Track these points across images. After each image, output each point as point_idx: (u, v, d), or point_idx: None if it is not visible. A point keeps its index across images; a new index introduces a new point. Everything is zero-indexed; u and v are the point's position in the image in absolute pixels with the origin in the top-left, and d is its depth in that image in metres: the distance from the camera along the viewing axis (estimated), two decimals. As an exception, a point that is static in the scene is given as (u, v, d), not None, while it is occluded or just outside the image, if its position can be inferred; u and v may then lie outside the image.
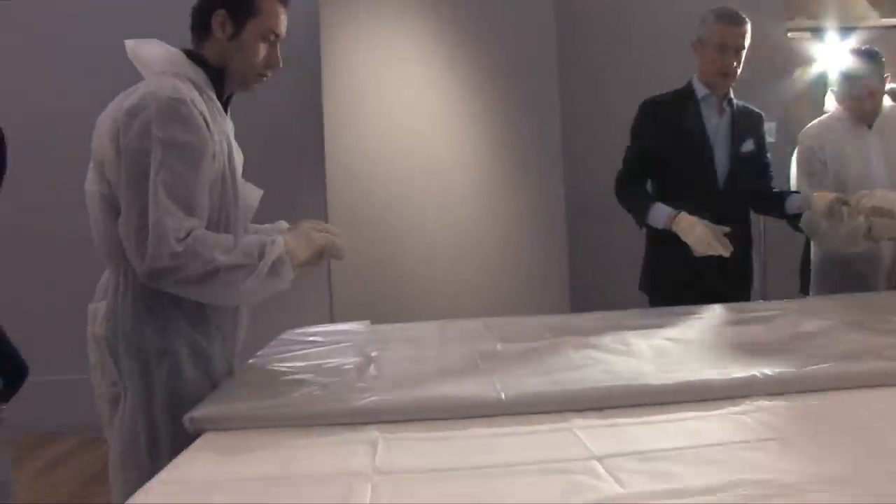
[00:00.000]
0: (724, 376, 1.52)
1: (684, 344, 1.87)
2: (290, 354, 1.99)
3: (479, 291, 3.63)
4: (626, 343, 1.87)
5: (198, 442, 1.38)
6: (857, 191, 2.48)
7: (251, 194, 1.85)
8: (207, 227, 1.64)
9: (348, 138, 3.62)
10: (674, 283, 2.63)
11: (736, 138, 2.66)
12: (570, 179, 3.74)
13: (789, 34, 4.42)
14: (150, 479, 1.22)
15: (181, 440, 1.44)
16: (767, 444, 1.21)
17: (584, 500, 1.03)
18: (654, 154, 2.66)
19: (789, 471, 1.10)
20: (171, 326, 1.66)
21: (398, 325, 2.40)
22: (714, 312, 2.27)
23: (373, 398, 1.48)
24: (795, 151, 2.85)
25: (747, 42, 2.60)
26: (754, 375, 1.50)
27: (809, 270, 2.91)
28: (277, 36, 1.79)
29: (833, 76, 2.76)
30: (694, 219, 2.41)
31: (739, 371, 1.54)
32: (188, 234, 1.55)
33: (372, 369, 1.77)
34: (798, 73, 4.18)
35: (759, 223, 3.77)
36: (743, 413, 1.38)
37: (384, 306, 3.51)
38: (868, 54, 2.69)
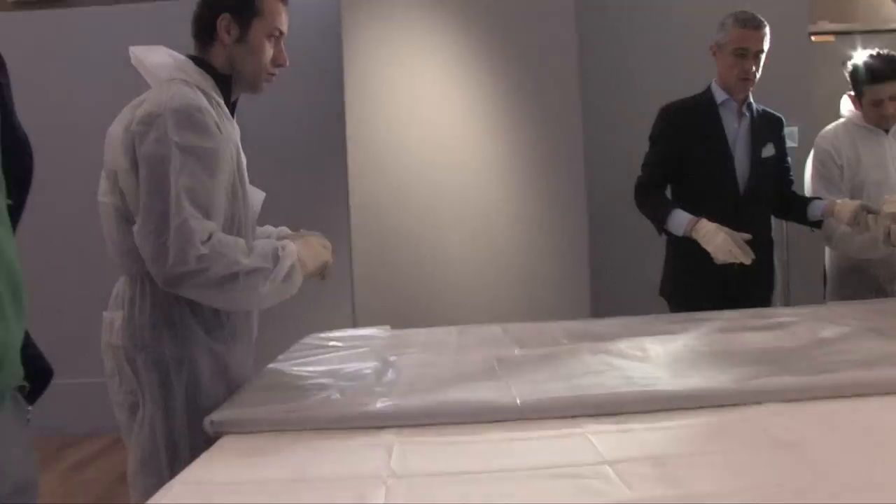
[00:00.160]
0: (738, 382, 1.52)
1: (701, 350, 1.87)
2: (309, 358, 2.02)
3: (500, 297, 3.64)
4: (642, 349, 1.87)
5: (217, 444, 1.41)
6: (884, 198, 2.47)
7: (255, 198, 1.87)
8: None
9: (370, 143, 3.64)
10: (694, 289, 2.62)
11: (756, 143, 2.64)
12: (591, 184, 3.74)
13: (812, 38, 4.40)
14: (168, 481, 1.25)
15: (200, 446, 1.46)
16: (780, 451, 1.22)
17: (592, 503, 1.05)
18: (673, 160, 2.65)
19: (802, 477, 1.10)
20: (188, 335, 1.68)
21: (418, 330, 2.41)
22: (733, 318, 2.26)
23: (389, 402, 1.51)
24: (811, 156, 2.84)
25: (766, 46, 2.59)
26: (768, 382, 1.51)
27: None
28: (282, 33, 1.81)
29: (852, 80, 2.74)
30: (714, 226, 2.40)
31: (755, 377, 1.54)
32: (210, 237, 1.56)
33: (390, 374, 1.79)
34: (820, 77, 4.15)
35: (783, 228, 3.75)
36: (757, 419, 1.38)
37: (406, 311, 3.53)
38: (888, 59, 2.67)
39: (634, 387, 1.53)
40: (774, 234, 2.78)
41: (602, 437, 1.31)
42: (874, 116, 2.67)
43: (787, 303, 3.64)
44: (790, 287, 3.85)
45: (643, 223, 2.68)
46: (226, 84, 1.79)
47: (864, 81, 2.66)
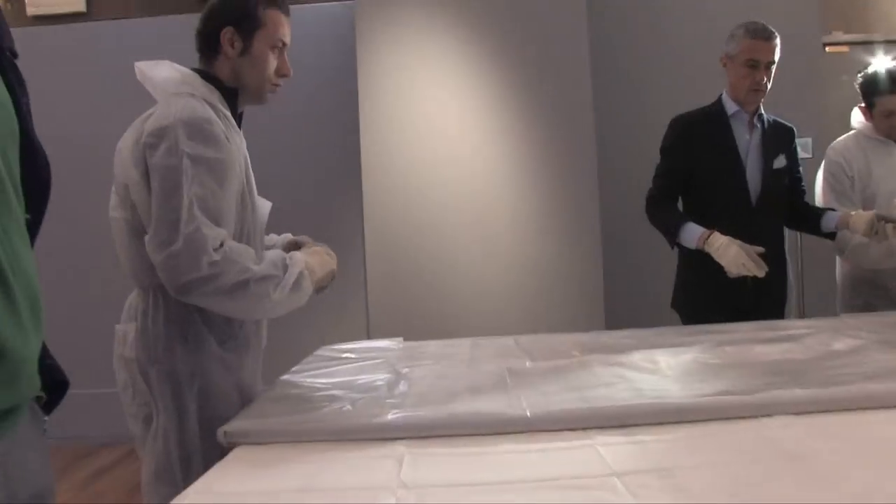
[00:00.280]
0: (748, 394, 1.52)
1: (712, 362, 1.87)
2: (322, 370, 2.03)
3: (513, 309, 3.65)
4: (653, 361, 1.88)
5: (231, 455, 1.43)
6: None
7: (262, 208, 1.89)
8: None
9: (384, 155, 3.67)
10: (706, 301, 2.61)
11: (768, 154, 2.63)
12: (605, 194, 3.74)
13: (826, 48, 4.39)
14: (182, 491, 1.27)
15: (213, 456, 1.48)
16: (790, 463, 1.22)
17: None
18: (684, 172, 2.64)
19: (810, 490, 1.11)
20: (201, 346, 1.70)
21: (430, 342, 2.42)
22: (744, 330, 2.26)
23: (400, 414, 1.52)
24: (821, 168, 2.84)
25: (777, 56, 2.58)
26: (778, 394, 1.51)
27: None
28: (285, 44, 1.84)
29: (863, 92, 2.74)
30: (726, 239, 2.39)
31: (765, 389, 1.55)
32: (222, 244, 1.58)
33: (402, 386, 1.80)
34: (834, 87, 4.14)
35: (797, 239, 3.74)
36: (766, 431, 1.38)
37: (420, 323, 3.55)
38: None
39: (644, 399, 1.54)
40: (788, 246, 2.76)
41: (611, 449, 1.32)
42: (885, 128, 2.67)
43: (802, 315, 3.63)
44: (804, 299, 3.83)
45: (656, 234, 2.68)
46: (232, 96, 1.81)
47: (875, 93, 2.66)
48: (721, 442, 1.36)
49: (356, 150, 3.71)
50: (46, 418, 1.01)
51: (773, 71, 2.59)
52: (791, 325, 2.33)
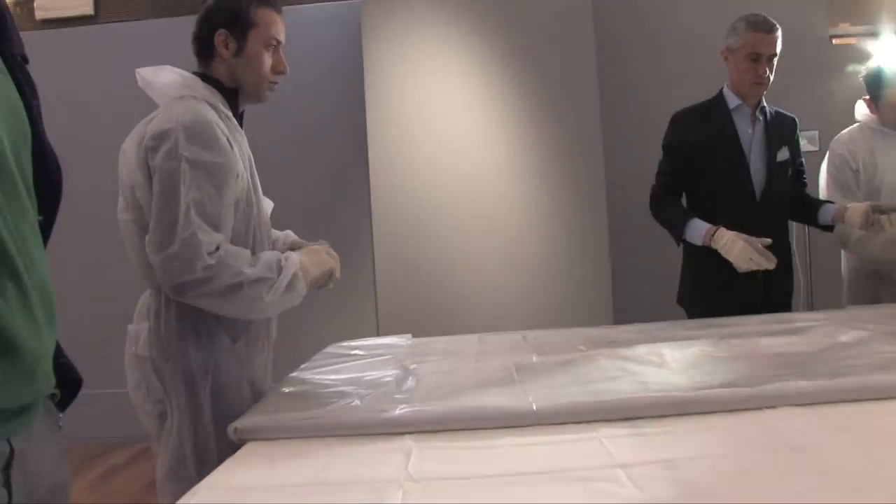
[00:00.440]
0: (752, 387, 1.53)
1: (717, 355, 1.88)
2: (331, 367, 2.05)
3: (523, 304, 3.66)
4: (659, 354, 1.89)
5: (242, 450, 1.45)
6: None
7: (265, 206, 1.93)
8: (237, 242, 1.72)
9: (391, 153, 3.68)
10: (712, 296, 2.60)
11: (771, 147, 2.61)
12: (612, 190, 3.75)
13: (833, 41, 4.39)
14: (196, 486, 1.30)
15: (227, 452, 1.51)
16: (793, 454, 1.23)
17: (601, 504, 1.07)
18: (687, 168, 2.63)
19: (814, 480, 1.12)
20: (213, 342, 1.73)
21: (438, 339, 2.44)
22: (750, 323, 2.27)
23: (408, 409, 1.54)
24: (825, 160, 2.83)
25: (779, 48, 2.56)
26: (783, 386, 1.51)
27: None
28: (279, 42, 1.87)
29: (868, 84, 2.73)
30: (732, 234, 2.39)
31: (769, 381, 1.55)
32: (218, 248, 1.62)
33: (410, 381, 1.82)
34: (841, 80, 4.14)
35: (804, 231, 3.74)
36: (771, 423, 1.39)
37: (429, 319, 3.57)
38: None
39: (649, 392, 1.55)
40: (795, 238, 2.76)
41: (616, 441, 1.34)
42: (891, 119, 2.66)
43: (810, 308, 3.64)
44: (813, 291, 3.84)
45: (663, 230, 2.68)
46: (232, 97, 1.85)
47: (882, 85, 2.66)
48: (725, 434, 1.37)
49: (364, 149, 3.73)
50: (62, 415, 1.04)
51: (775, 63, 2.57)
52: (797, 318, 2.33)
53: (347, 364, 2.09)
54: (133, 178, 1.71)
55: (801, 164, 2.76)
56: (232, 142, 1.75)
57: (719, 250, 2.42)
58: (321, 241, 1.97)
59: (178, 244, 1.59)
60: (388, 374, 1.90)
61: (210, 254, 1.60)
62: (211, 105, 1.76)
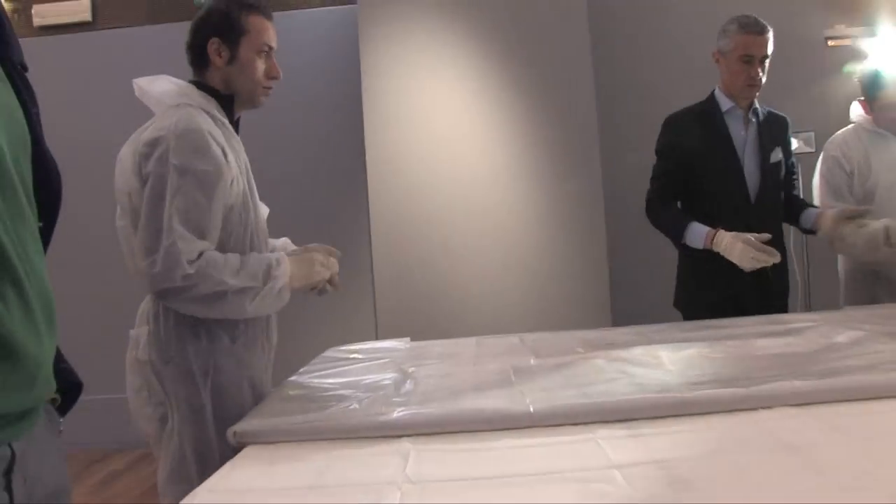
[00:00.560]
0: (748, 387, 1.54)
1: (714, 356, 1.89)
2: (330, 371, 2.07)
3: (521, 307, 3.67)
4: (656, 356, 1.90)
5: (241, 454, 1.46)
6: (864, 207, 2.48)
7: (261, 212, 1.96)
8: (235, 246, 1.75)
9: (389, 157, 3.69)
10: (708, 299, 2.59)
11: (764, 149, 2.61)
12: (609, 192, 3.76)
13: (829, 42, 4.40)
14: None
15: (229, 452, 1.53)
16: (788, 454, 1.24)
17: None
18: (682, 172, 2.61)
19: (808, 479, 1.13)
20: (213, 343, 1.76)
21: (437, 342, 2.45)
22: (747, 325, 2.28)
23: (405, 412, 1.55)
24: (819, 162, 2.83)
25: (771, 50, 2.54)
26: (777, 386, 1.52)
27: None
28: (271, 48, 1.90)
29: (864, 85, 2.73)
30: (730, 236, 2.39)
31: (765, 382, 1.56)
32: (199, 256, 1.65)
33: (408, 384, 1.84)
34: (837, 81, 4.16)
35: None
36: (765, 423, 1.40)
37: (428, 322, 3.57)
38: None
39: (645, 393, 1.56)
40: (793, 239, 2.76)
41: (612, 443, 1.35)
42: (887, 121, 2.67)
43: (808, 308, 3.64)
44: (811, 292, 3.84)
45: (661, 232, 2.68)
46: (228, 103, 1.88)
47: (878, 86, 2.66)
48: (720, 434, 1.38)
49: (361, 152, 3.74)
50: (62, 420, 1.05)
51: (767, 64, 2.56)
52: (794, 319, 2.34)
53: (346, 368, 2.10)
54: (129, 185, 1.74)
55: (793, 165, 2.75)
56: (227, 148, 1.77)
57: (721, 253, 2.42)
58: (319, 247, 1.98)
59: (162, 252, 1.63)
60: (387, 377, 1.91)
61: (191, 262, 1.63)
62: (206, 112, 1.79)
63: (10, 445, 0.91)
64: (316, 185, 4.49)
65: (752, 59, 2.52)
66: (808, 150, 3.81)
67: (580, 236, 3.70)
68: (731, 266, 2.46)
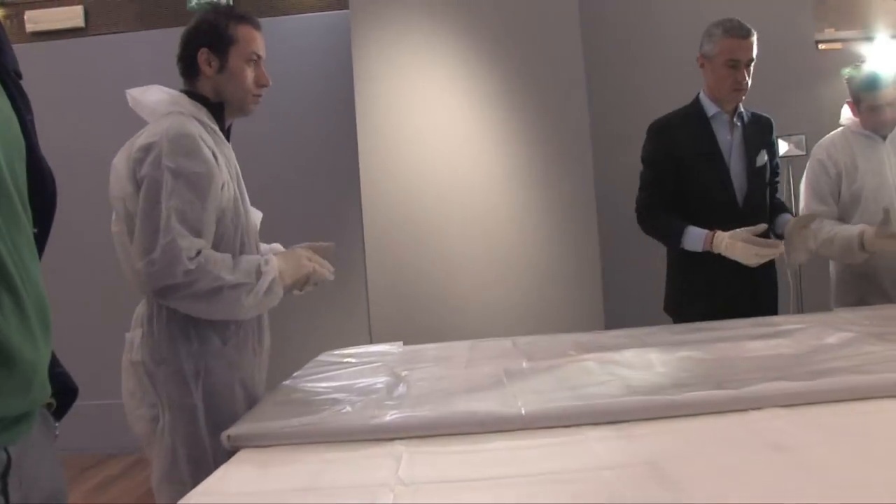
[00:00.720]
0: (737, 389, 1.56)
1: (704, 358, 1.91)
2: (324, 375, 2.08)
3: (514, 310, 3.68)
4: (647, 359, 1.91)
5: (235, 457, 1.47)
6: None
7: (254, 217, 2.00)
8: (226, 248, 1.79)
9: (382, 161, 3.70)
10: (698, 303, 2.59)
11: (750, 153, 2.60)
12: (602, 195, 3.77)
13: (819, 46, 4.43)
14: (191, 488, 1.32)
15: (221, 452, 1.55)
16: (776, 454, 1.25)
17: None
18: (671, 179, 2.60)
19: (797, 479, 1.14)
20: (204, 345, 1.79)
21: (430, 346, 2.46)
22: (737, 327, 2.29)
23: (398, 415, 1.56)
24: (807, 167, 2.85)
25: (755, 53, 2.53)
26: (766, 387, 1.53)
27: None
28: (259, 57, 1.94)
29: (850, 87, 2.75)
30: (727, 236, 2.39)
31: (754, 384, 1.58)
32: (198, 254, 1.69)
33: (401, 388, 1.85)
34: (827, 84, 4.18)
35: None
36: (754, 424, 1.42)
37: (421, 326, 3.58)
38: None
39: (636, 395, 1.57)
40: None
41: (602, 444, 1.36)
42: (872, 123, 2.69)
43: (800, 310, 3.66)
44: (802, 294, 3.86)
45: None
46: (219, 111, 1.92)
47: (861, 88, 2.68)
48: (710, 435, 1.39)
49: (354, 156, 3.75)
50: (58, 424, 1.06)
51: (752, 68, 2.55)
52: (784, 321, 2.35)
53: (339, 372, 2.11)
54: (123, 191, 1.77)
55: (777, 166, 2.75)
56: (218, 154, 1.82)
57: (722, 253, 2.41)
58: (303, 245, 2.02)
59: (160, 250, 1.66)
60: (380, 381, 1.93)
61: (190, 259, 1.67)
62: (198, 120, 1.84)
63: (6, 449, 0.92)
64: (309, 189, 4.50)
65: (738, 64, 2.51)
66: (798, 152, 3.82)
67: (573, 239, 3.71)
68: (722, 271, 2.48)
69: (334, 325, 4.38)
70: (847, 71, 2.76)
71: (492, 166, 3.72)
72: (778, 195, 2.81)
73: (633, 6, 4.37)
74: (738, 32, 2.51)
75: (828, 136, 2.83)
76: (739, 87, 2.54)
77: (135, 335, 1.84)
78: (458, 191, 3.70)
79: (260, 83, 1.95)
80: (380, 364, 2.17)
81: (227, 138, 1.97)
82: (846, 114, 2.79)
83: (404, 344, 2.51)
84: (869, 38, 4.28)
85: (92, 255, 4.08)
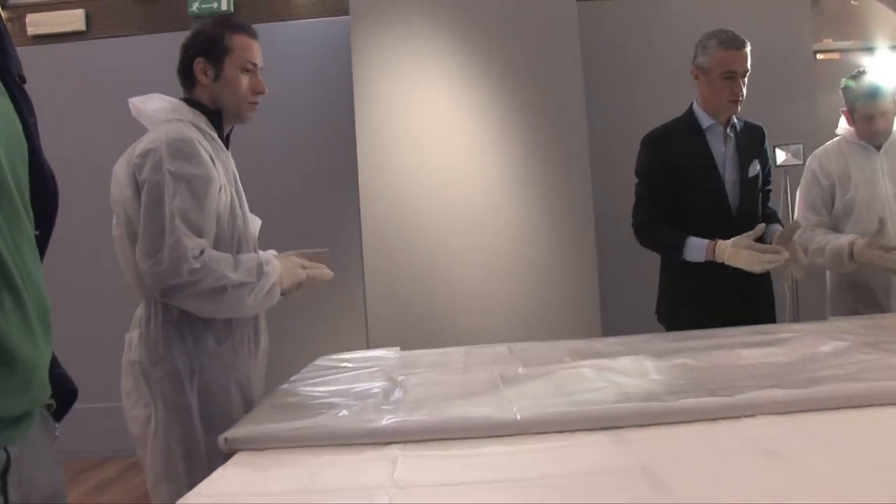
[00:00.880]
0: (731, 396, 1.57)
1: (698, 365, 1.92)
2: (321, 379, 2.09)
3: (511, 316, 3.69)
4: (642, 366, 1.92)
5: (232, 460, 1.48)
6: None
7: (254, 224, 2.04)
8: (222, 251, 1.84)
9: (380, 167, 3.73)
10: (691, 312, 2.59)
11: (743, 163, 2.60)
12: (600, 199, 3.79)
13: (818, 56, 4.46)
14: (187, 488, 1.34)
15: (216, 451, 1.56)
16: (769, 460, 1.26)
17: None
18: (668, 191, 2.59)
19: (788, 485, 1.15)
20: (200, 344, 1.84)
21: (426, 351, 2.47)
22: (732, 335, 2.30)
23: (394, 419, 1.57)
24: (802, 177, 2.86)
25: (749, 63, 2.52)
26: (759, 395, 1.54)
27: None
28: (255, 65, 1.98)
29: (845, 97, 2.77)
30: (729, 245, 2.39)
31: (748, 391, 1.59)
32: (202, 253, 1.73)
33: (397, 393, 1.85)
34: (825, 94, 4.20)
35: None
36: (747, 431, 1.42)
37: (419, 331, 3.60)
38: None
39: (631, 402, 1.59)
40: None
41: (596, 449, 1.37)
42: (866, 132, 2.70)
43: (797, 319, 3.67)
44: (799, 303, 3.88)
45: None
46: (217, 119, 1.97)
47: (855, 97, 2.70)
48: (703, 441, 1.40)
49: (353, 160, 3.77)
50: (57, 425, 1.06)
51: (747, 79, 2.54)
52: (779, 330, 2.37)
53: (336, 376, 2.12)
54: (124, 195, 1.82)
55: (769, 174, 2.75)
56: (215, 159, 1.87)
57: (725, 262, 2.41)
58: (298, 255, 2.05)
59: (166, 250, 1.70)
60: (376, 385, 1.93)
61: (195, 258, 1.71)
62: (196, 127, 1.88)
63: (5, 449, 0.92)
64: (308, 194, 4.52)
65: (735, 75, 2.51)
66: (796, 162, 3.84)
67: (570, 247, 3.73)
68: (715, 279, 2.49)
69: (331, 329, 4.39)
70: (845, 81, 2.77)
71: (490, 173, 3.74)
72: (772, 204, 2.81)
73: (631, 13, 4.39)
74: (734, 44, 2.50)
75: (823, 146, 2.85)
76: (736, 99, 2.53)
77: (133, 336, 1.88)
78: (456, 197, 3.72)
79: (256, 90, 1.99)
80: (376, 369, 2.18)
81: (227, 145, 2.01)
82: (842, 124, 2.81)
83: (401, 349, 2.52)
84: (867, 49, 4.31)
85: (92, 258, 4.09)
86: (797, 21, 4.30)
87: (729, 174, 2.60)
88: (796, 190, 2.94)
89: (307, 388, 1.98)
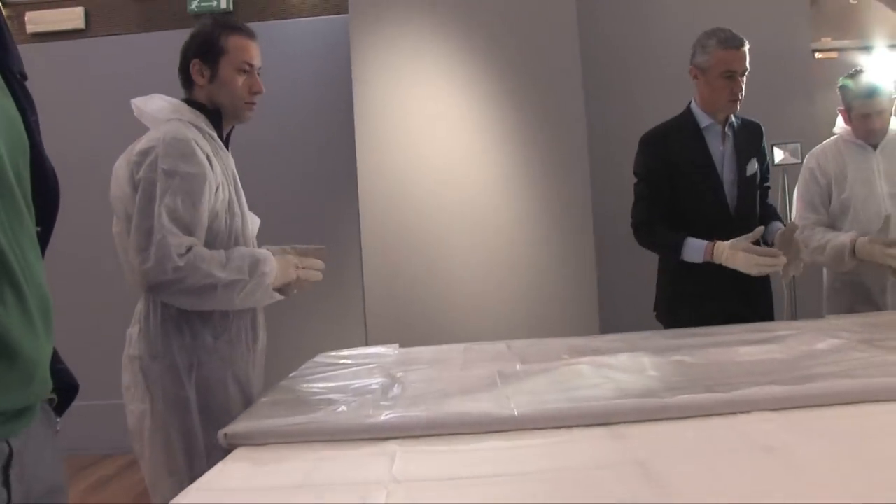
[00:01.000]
0: (728, 392, 1.57)
1: (696, 362, 1.92)
2: (320, 375, 2.10)
3: (510, 313, 3.70)
4: (639, 362, 1.93)
5: (231, 455, 1.49)
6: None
7: (252, 222, 2.07)
8: (220, 248, 1.86)
9: (380, 164, 3.73)
10: (689, 310, 2.59)
11: (741, 162, 2.60)
12: (599, 201, 3.79)
13: (816, 55, 4.46)
14: (188, 481, 1.35)
15: (215, 445, 1.58)
16: (765, 456, 1.27)
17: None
18: (666, 191, 2.59)
19: (783, 480, 1.16)
20: (197, 339, 1.86)
21: (425, 348, 2.48)
22: (730, 333, 2.31)
23: (392, 415, 1.58)
24: (800, 175, 2.87)
25: (748, 62, 2.52)
26: (756, 391, 1.55)
27: None
28: (252, 66, 2.00)
29: (842, 95, 2.78)
30: (727, 246, 2.39)
31: (745, 387, 1.60)
32: (189, 250, 1.76)
33: (396, 389, 1.87)
34: (824, 93, 4.21)
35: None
36: (743, 427, 1.43)
37: (418, 328, 3.61)
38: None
39: (628, 398, 1.59)
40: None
41: (593, 444, 1.38)
42: (862, 131, 2.71)
43: (795, 317, 3.68)
44: (797, 302, 3.89)
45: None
46: (216, 118, 1.99)
47: (852, 96, 2.71)
48: (699, 437, 1.41)
49: (352, 159, 3.77)
50: (59, 419, 1.07)
51: (745, 77, 2.54)
52: (776, 328, 2.37)
53: (335, 373, 2.13)
54: (123, 193, 1.85)
55: (767, 171, 2.75)
56: (213, 158, 1.89)
57: (723, 264, 2.41)
58: (294, 253, 2.06)
59: (153, 247, 1.74)
60: (375, 382, 1.95)
61: (180, 255, 1.74)
62: (196, 127, 1.91)
63: (7, 442, 0.93)
64: (307, 192, 4.53)
65: (734, 74, 2.50)
66: (794, 160, 3.85)
67: (569, 246, 3.73)
68: (713, 278, 2.49)
69: (331, 327, 4.40)
70: (842, 80, 2.78)
71: (489, 172, 3.74)
72: (770, 201, 2.82)
73: (630, 12, 4.39)
74: (733, 43, 2.50)
75: (820, 144, 2.86)
76: (735, 98, 2.53)
77: (133, 331, 1.91)
78: (455, 196, 3.72)
79: (253, 91, 2.01)
80: (375, 366, 2.19)
81: (227, 144, 2.04)
82: (839, 122, 2.82)
83: (400, 346, 2.53)
84: (865, 48, 4.32)
85: (93, 254, 4.09)
86: (796, 20, 4.30)
87: (727, 173, 2.60)
88: (794, 188, 2.95)
89: (306, 385, 2.00)
